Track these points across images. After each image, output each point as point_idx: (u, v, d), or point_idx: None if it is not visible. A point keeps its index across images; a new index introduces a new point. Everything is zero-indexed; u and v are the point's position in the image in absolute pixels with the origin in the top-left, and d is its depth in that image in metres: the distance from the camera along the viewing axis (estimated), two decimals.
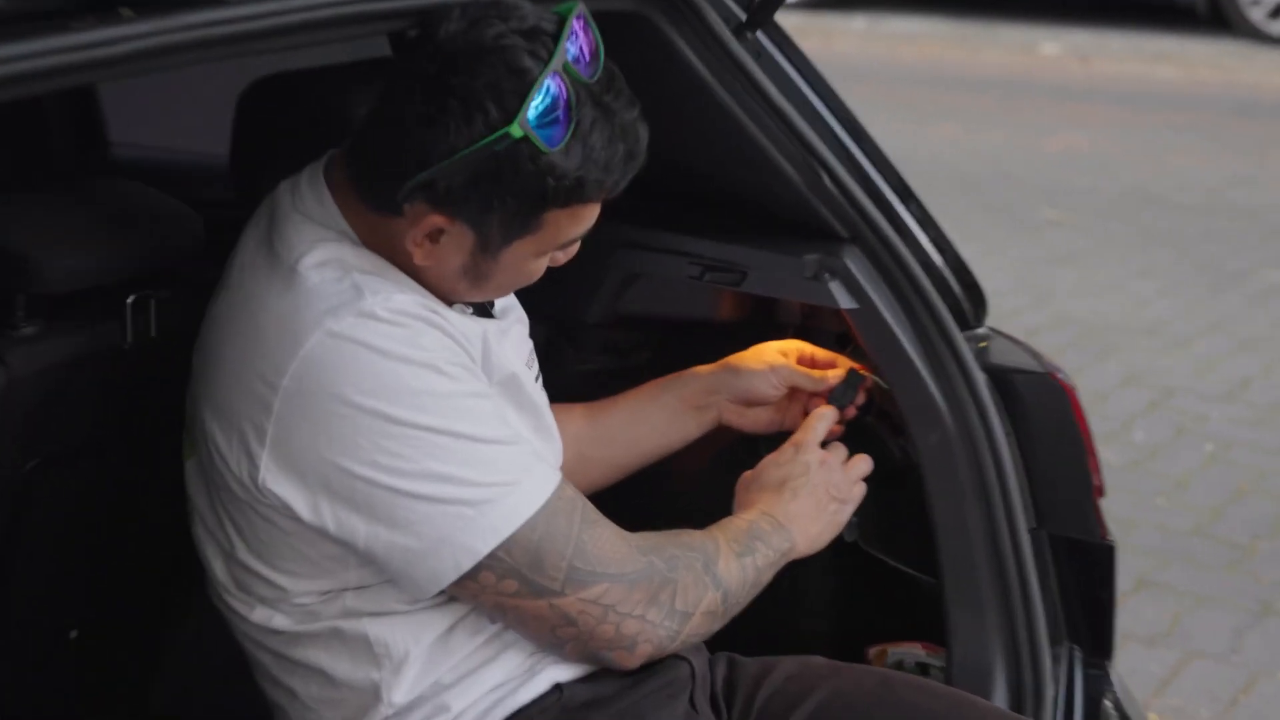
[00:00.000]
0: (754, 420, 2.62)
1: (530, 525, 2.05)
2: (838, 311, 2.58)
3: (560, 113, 1.98)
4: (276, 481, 2.04)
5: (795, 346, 2.64)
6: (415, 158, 2.00)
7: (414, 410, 2.01)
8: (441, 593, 2.09)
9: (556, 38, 2.00)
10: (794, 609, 2.71)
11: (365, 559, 2.08)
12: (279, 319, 2.05)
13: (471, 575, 2.05)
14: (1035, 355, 2.67)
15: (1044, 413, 2.60)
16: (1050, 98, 10.33)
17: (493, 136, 1.96)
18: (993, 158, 8.93)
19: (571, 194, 2.04)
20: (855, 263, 2.53)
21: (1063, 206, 8.10)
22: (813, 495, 2.40)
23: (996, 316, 6.41)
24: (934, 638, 2.62)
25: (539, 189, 2.01)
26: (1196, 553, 4.86)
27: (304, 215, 2.13)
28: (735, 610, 2.25)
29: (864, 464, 2.48)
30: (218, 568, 2.21)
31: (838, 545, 2.55)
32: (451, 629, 2.16)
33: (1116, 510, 5.01)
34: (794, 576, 2.40)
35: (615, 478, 2.61)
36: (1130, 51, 11.53)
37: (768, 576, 2.29)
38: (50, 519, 2.43)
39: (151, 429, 2.44)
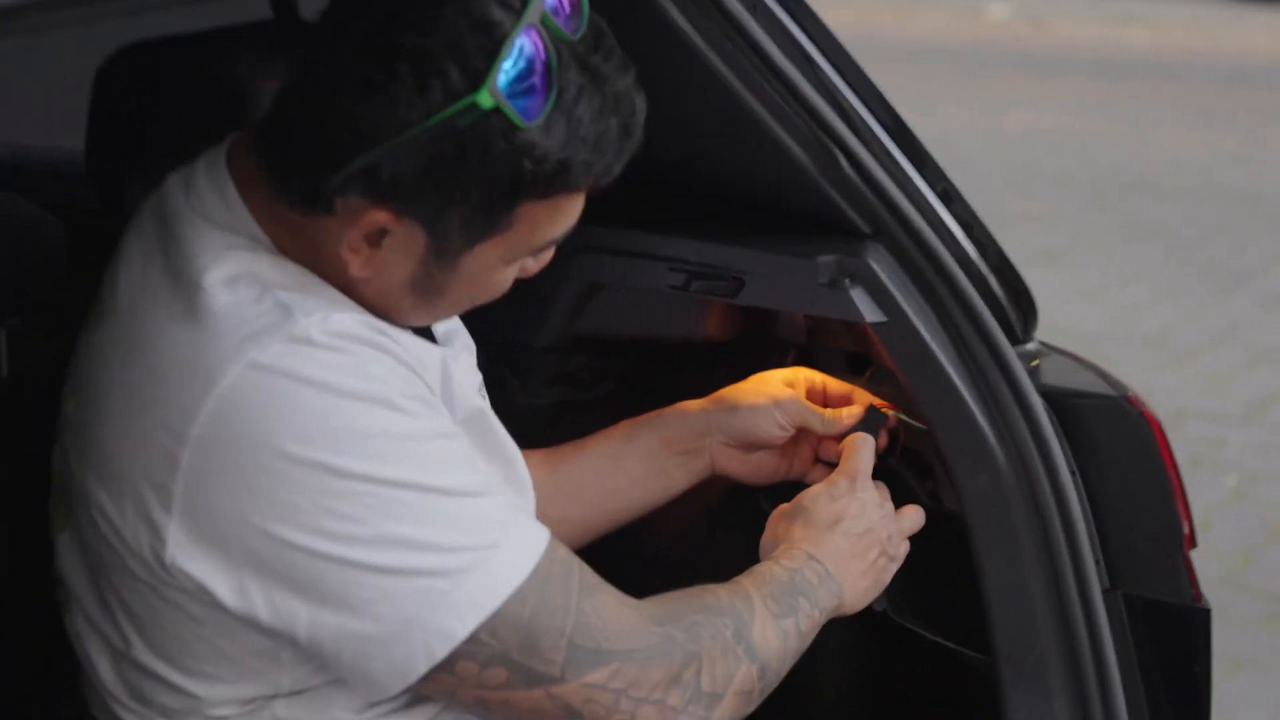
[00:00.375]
0: (755, 467, 2.56)
1: (519, 597, 1.96)
2: (852, 326, 2.54)
3: (538, 78, 1.89)
4: (190, 558, 1.93)
5: (803, 376, 2.59)
6: (352, 138, 1.89)
7: (366, 458, 1.91)
8: (406, 690, 1.99)
9: None
10: (818, 696, 2.70)
11: (306, 653, 1.98)
12: (185, 351, 1.94)
13: (447, 666, 1.94)
14: (1103, 375, 2.65)
15: (1118, 447, 2.55)
16: (1004, 69, 10.50)
17: (455, 108, 1.85)
18: (945, 140, 8.94)
19: (553, 181, 1.93)
20: (881, 264, 2.47)
21: (1033, 196, 8.19)
22: (866, 541, 2.37)
23: None
24: None
25: (512, 175, 1.91)
26: (1228, 607, 4.88)
27: (204, 218, 2.02)
28: (773, 686, 2.18)
29: (916, 516, 2.45)
30: (104, 670, 2.09)
31: (865, 617, 2.50)
32: None
33: None
34: (814, 657, 2.33)
35: (581, 541, 2.51)
36: (1091, 13, 11.71)
37: (810, 640, 2.23)
38: None
39: (6, 491, 2.35)
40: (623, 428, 2.56)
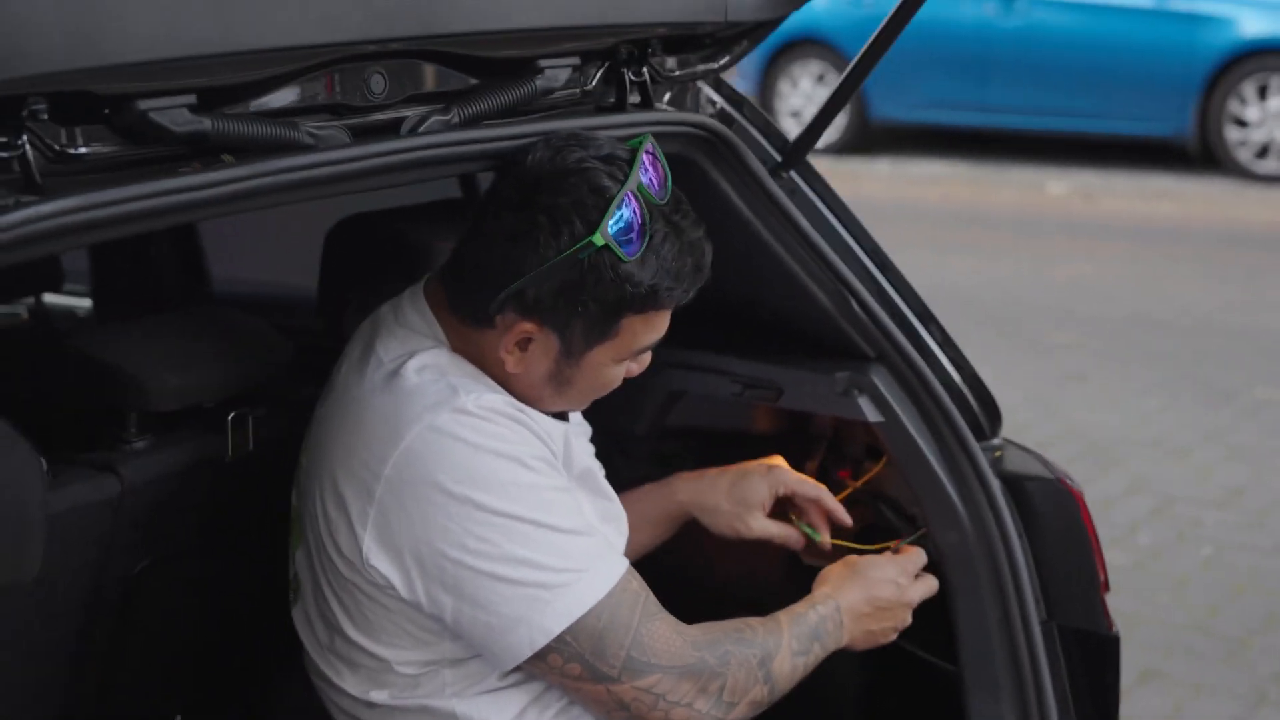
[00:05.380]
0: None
1: (596, 613, 2.04)
2: (866, 424, 2.57)
3: (636, 229, 2.03)
4: (377, 558, 2.05)
5: (774, 485, 2.55)
6: (507, 270, 2.04)
7: (501, 499, 2.02)
8: (518, 669, 2.09)
9: (630, 164, 2.05)
10: (824, 692, 2.60)
11: (454, 634, 2.08)
12: (382, 415, 2.07)
13: (542, 655, 2.04)
14: (1045, 463, 2.67)
15: (1054, 515, 2.59)
16: (1058, 233, 10.32)
17: (578, 245, 2.00)
18: (1005, 287, 8.93)
19: (647, 301, 2.07)
20: (881, 380, 2.54)
21: (1070, 330, 8.09)
22: (884, 615, 2.36)
23: (1009, 430, 6.31)
24: None
25: (618, 295, 2.04)
26: (1196, 646, 4.82)
27: (407, 328, 2.16)
28: (779, 697, 2.23)
29: (930, 585, 2.45)
30: (321, 643, 2.21)
31: None
32: (525, 709, 2.17)
33: (1122, 607, 4.97)
34: (828, 660, 2.35)
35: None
36: (1132, 190, 11.52)
37: (813, 668, 2.28)
38: (157, 613, 2.45)
39: (248, 531, 2.46)
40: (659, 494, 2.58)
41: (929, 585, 2.43)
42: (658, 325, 2.13)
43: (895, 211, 10.96)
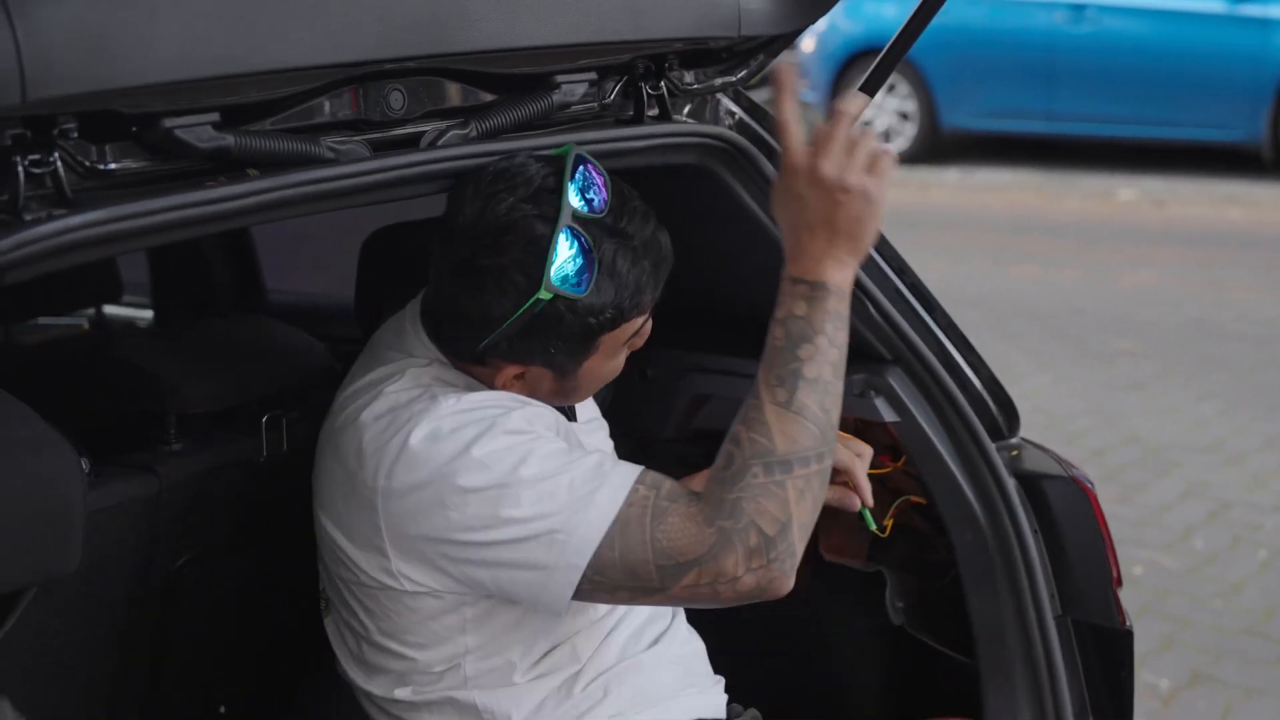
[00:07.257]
0: None
1: (607, 544, 2.00)
2: (886, 424, 2.61)
3: (582, 265, 2.03)
4: (409, 565, 2.09)
5: None
6: (473, 326, 2.08)
7: (479, 475, 2.02)
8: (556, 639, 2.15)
9: (559, 193, 2.05)
10: (849, 685, 2.72)
11: (497, 601, 2.11)
12: (371, 434, 2.11)
13: (586, 591, 2.03)
14: (1060, 461, 2.69)
15: (1068, 512, 2.62)
16: (1125, 240, 10.25)
17: (528, 303, 2.02)
18: (1069, 294, 8.92)
19: (615, 321, 2.09)
20: (898, 381, 2.58)
21: (1131, 337, 8.06)
22: (827, 221, 2.07)
23: (1068, 437, 6.34)
24: (973, 714, 2.64)
25: (584, 329, 2.08)
26: (1248, 650, 4.83)
27: (399, 351, 2.20)
28: (831, 443, 2.06)
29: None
30: (351, 650, 2.26)
31: (887, 629, 2.62)
32: (543, 701, 2.22)
33: (1175, 611, 5.02)
34: (849, 655, 2.45)
35: None
36: (1202, 196, 11.44)
37: (830, 371, 2.08)
38: (199, 609, 2.53)
39: (284, 529, 2.52)
40: None
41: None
42: (638, 321, 2.14)
43: (964, 219, 11.01)
